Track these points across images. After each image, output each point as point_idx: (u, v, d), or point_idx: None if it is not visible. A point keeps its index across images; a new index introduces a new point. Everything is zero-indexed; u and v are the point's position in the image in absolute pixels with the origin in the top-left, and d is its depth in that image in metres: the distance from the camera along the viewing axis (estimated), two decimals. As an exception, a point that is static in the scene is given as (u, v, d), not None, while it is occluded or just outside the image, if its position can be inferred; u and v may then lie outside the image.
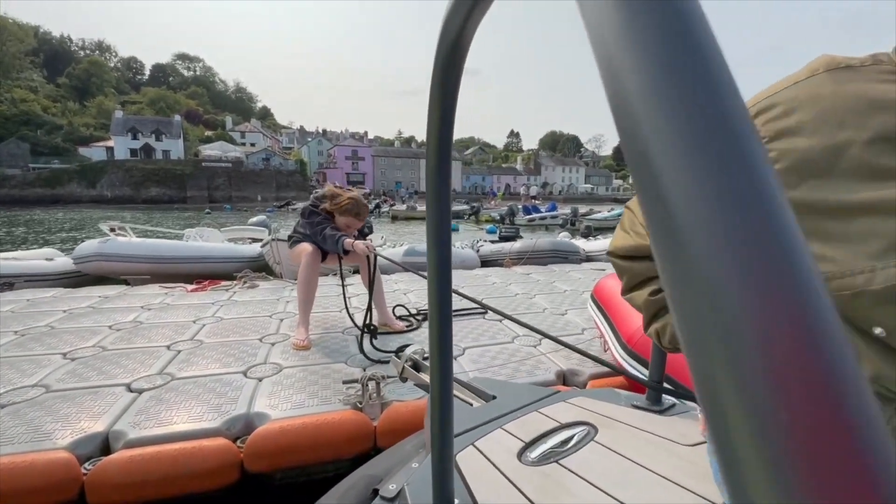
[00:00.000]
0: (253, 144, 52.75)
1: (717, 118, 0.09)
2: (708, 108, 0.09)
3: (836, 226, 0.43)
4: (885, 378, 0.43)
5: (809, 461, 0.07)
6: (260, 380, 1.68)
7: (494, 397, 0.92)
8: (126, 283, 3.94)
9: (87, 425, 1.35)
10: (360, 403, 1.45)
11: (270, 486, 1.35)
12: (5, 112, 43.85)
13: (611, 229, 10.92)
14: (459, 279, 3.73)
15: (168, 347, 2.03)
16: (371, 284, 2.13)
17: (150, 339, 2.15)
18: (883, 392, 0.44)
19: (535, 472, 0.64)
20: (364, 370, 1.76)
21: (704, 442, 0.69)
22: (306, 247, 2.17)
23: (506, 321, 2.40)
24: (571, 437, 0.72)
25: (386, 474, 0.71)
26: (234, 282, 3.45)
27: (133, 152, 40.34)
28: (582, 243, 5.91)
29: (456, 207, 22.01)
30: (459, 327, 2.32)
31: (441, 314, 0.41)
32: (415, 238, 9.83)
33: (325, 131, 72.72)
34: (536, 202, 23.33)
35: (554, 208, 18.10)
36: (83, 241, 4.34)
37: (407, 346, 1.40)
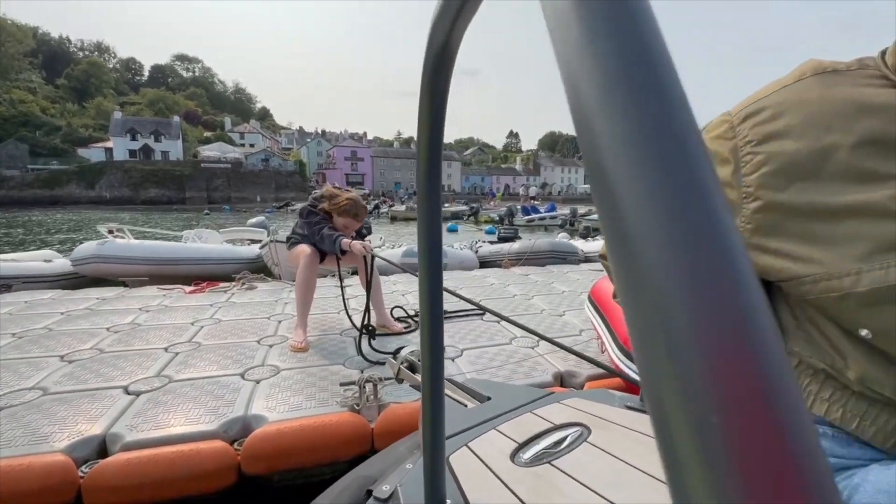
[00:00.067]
0: (252, 145, 52.74)
1: (668, 136, 0.10)
2: (660, 128, 0.10)
3: (822, 228, 0.43)
4: (870, 379, 0.43)
5: (741, 464, 0.08)
6: (257, 382, 1.68)
7: (489, 398, 0.93)
8: (124, 284, 3.94)
9: (85, 428, 1.35)
10: (358, 405, 1.46)
11: (268, 489, 1.35)
12: (4, 113, 43.79)
13: (610, 230, 10.87)
14: (458, 280, 3.74)
15: (166, 349, 2.03)
16: (368, 285, 2.13)
17: (148, 341, 2.15)
18: (867, 393, 0.44)
19: (528, 472, 0.65)
20: (362, 372, 1.76)
21: None
22: (304, 248, 2.17)
23: (503, 322, 2.40)
24: (564, 439, 0.73)
25: (380, 475, 0.72)
26: (233, 283, 3.45)
27: (132, 153, 40.30)
28: (580, 244, 5.91)
29: (455, 208, 22.02)
30: (458, 329, 2.32)
31: (432, 314, 0.41)
32: (414, 239, 9.76)
33: (324, 132, 72.70)
34: (535, 203, 23.34)
35: (553, 209, 18.11)
36: (81, 243, 4.34)
37: (404, 347, 1.40)
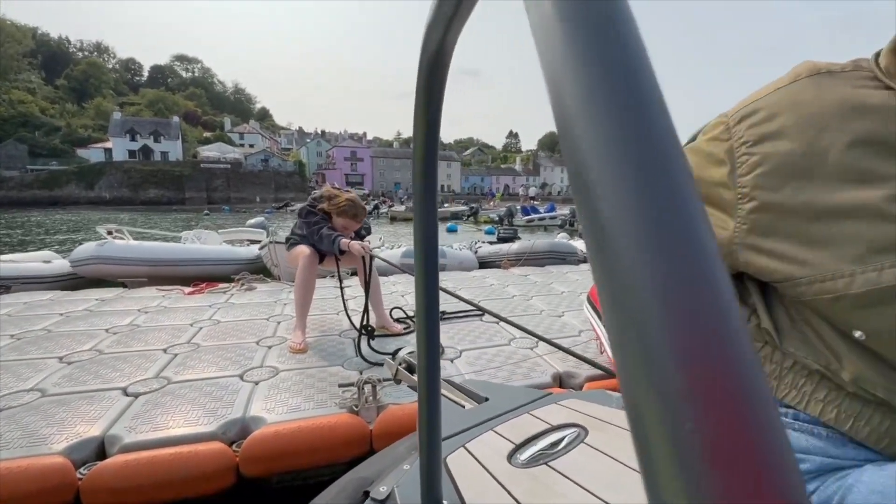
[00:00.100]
0: (251, 145, 52.74)
1: (646, 146, 0.10)
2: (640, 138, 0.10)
3: (817, 229, 0.43)
4: (864, 380, 0.43)
5: (712, 465, 0.08)
6: (256, 383, 1.68)
7: (487, 399, 0.93)
8: (123, 285, 3.94)
9: (83, 430, 1.35)
10: (357, 407, 1.46)
11: (267, 490, 1.35)
12: (3, 114, 43.79)
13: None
14: (457, 281, 3.74)
15: (165, 351, 2.03)
16: (367, 286, 2.13)
17: (147, 342, 2.15)
18: (861, 394, 0.44)
19: (525, 474, 0.65)
20: (361, 373, 1.76)
21: None
22: (303, 249, 2.17)
23: (502, 323, 2.41)
24: (562, 440, 0.73)
25: (377, 476, 0.72)
26: (232, 284, 3.45)
27: (131, 154, 40.28)
28: (580, 244, 5.91)
29: (455, 208, 22.03)
30: (456, 330, 2.33)
31: (428, 315, 0.41)
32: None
33: (323, 132, 72.73)
34: (535, 203, 23.36)
35: (553, 209, 18.13)
36: (81, 244, 4.34)
37: (403, 348, 1.40)
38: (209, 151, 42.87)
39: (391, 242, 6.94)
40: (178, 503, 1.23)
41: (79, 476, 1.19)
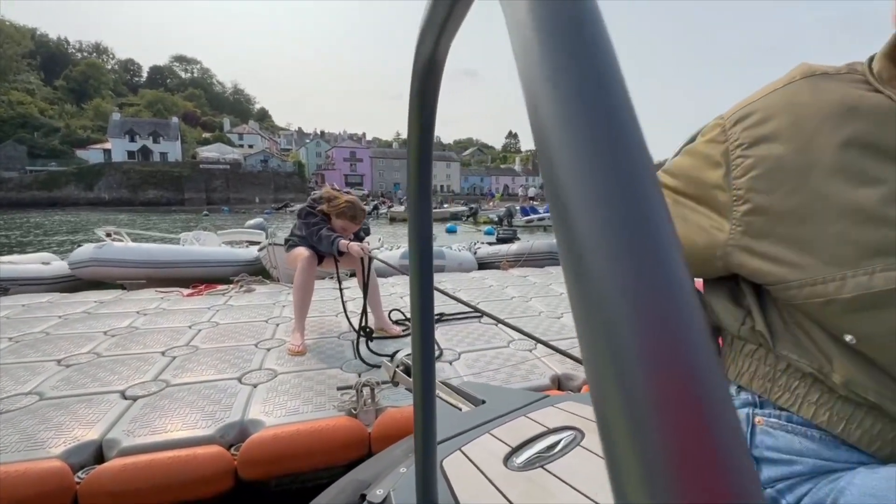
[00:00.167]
0: (251, 146, 52.72)
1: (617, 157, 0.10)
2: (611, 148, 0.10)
3: (809, 232, 0.44)
4: (856, 384, 0.44)
5: (672, 466, 0.08)
6: (255, 386, 1.68)
7: (484, 402, 0.93)
8: (122, 287, 3.94)
9: (81, 433, 1.35)
10: (355, 410, 1.46)
11: (265, 493, 1.35)
12: (2, 115, 43.76)
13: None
14: (456, 282, 3.74)
15: (163, 353, 2.03)
16: (366, 287, 2.13)
17: (146, 345, 2.15)
18: (853, 397, 0.44)
19: (521, 477, 0.65)
20: (359, 375, 1.76)
21: None
22: (302, 251, 2.17)
23: (501, 325, 2.41)
24: (558, 443, 0.73)
25: (374, 479, 0.72)
26: (231, 286, 3.45)
27: (130, 154, 40.26)
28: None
29: (454, 208, 22.03)
30: (455, 331, 2.33)
31: (423, 317, 0.41)
32: (413, 240, 9.74)
33: (323, 133, 72.71)
34: (535, 203, 23.36)
35: (552, 209, 18.08)
36: (80, 245, 4.33)
37: (401, 350, 1.40)
38: (208, 152, 42.85)
39: (390, 243, 6.94)
40: (176, 506, 1.23)
41: (77, 480, 1.19)
